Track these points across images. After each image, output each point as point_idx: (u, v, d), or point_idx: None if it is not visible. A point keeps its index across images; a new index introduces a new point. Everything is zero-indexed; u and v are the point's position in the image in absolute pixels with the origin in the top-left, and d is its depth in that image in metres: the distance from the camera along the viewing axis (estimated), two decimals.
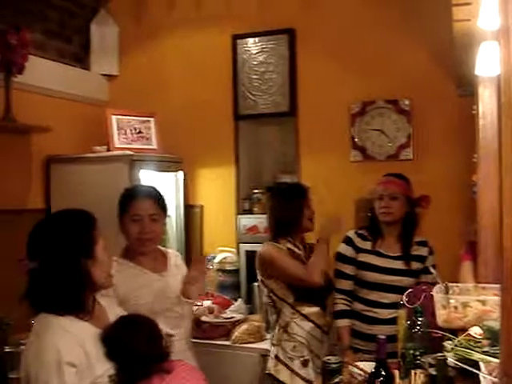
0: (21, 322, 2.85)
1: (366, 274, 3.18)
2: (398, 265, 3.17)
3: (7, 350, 3.13)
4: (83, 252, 1.94)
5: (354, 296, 3.23)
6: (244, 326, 3.61)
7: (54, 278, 1.90)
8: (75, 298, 1.92)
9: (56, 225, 2.00)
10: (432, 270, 2.80)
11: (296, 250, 3.14)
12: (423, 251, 3.23)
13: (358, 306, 3.20)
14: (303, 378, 2.99)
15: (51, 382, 1.78)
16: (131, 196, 2.63)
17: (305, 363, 3.01)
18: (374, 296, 3.15)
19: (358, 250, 3.23)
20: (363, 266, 3.20)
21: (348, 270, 3.21)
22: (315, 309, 3.08)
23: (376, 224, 3.26)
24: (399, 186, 3.23)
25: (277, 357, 3.05)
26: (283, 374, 3.01)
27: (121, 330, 1.98)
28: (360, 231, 3.30)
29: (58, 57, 4.21)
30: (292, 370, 3.00)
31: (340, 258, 3.23)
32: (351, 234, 3.29)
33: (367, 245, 3.24)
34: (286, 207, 3.19)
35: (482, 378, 1.68)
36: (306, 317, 3.05)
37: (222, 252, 4.17)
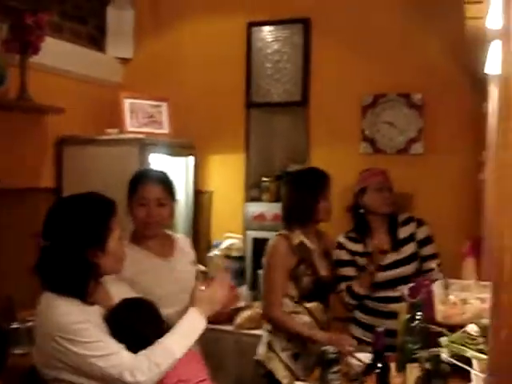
0: (28, 298, 2.92)
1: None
2: (393, 257, 3.18)
3: (14, 326, 3.19)
4: (94, 243, 1.96)
5: (368, 296, 3.22)
6: (247, 313, 3.65)
7: (61, 262, 1.94)
8: (79, 285, 1.95)
9: (73, 209, 2.00)
10: (433, 265, 2.84)
11: (308, 243, 3.03)
12: (411, 228, 3.26)
13: (373, 304, 3.21)
14: (291, 371, 2.90)
15: (72, 342, 1.85)
16: (139, 180, 2.65)
17: (295, 356, 2.94)
18: (383, 293, 3.17)
19: (353, 253, 3.25)
20: (362, 269, 3.19)
21: (347, 272, 3.21)
22: (317, 304, 3.01)
23: (365, 221, 3.28)
24: (388, 176, 3.35)
25: (269, 344, 2.98)
26: (273, 363, 2.93)
27: (123, 311, 2.02)
28: (350, 234, 3.32)
29: (74, 38, 4.24)
30: (282, 361, 2.92)
31: (338, 263, 3.23)
32: (342, 238, 3.31)
33: (360, 247, 3.25)
34: (296, 195, 3.09)
35: (473, 375, 1.70)
36: (308, 311, 2.98)
37: (229, 238, 4.20)
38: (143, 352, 1.90)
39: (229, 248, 4.12)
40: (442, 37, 3.76)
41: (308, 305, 2.97)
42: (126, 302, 2.07)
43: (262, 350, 3.01)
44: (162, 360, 1.89)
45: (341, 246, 3.27)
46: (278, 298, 2.95)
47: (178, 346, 1.94)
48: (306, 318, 2.96)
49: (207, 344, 3.23)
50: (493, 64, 2.45)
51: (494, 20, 1.85)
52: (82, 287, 1.96)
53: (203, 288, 2.21)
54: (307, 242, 3.02)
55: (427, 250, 3.23)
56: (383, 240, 3.22)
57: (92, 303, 1.99)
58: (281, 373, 2.90)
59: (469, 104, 3.68)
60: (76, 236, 1.94)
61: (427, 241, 3.26)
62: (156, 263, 2.59)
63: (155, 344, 1.92)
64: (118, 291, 2.16)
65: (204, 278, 3.94)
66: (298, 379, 2.76)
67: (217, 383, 2.18)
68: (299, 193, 3.08)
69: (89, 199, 2.05)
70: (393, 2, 3.92)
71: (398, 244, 3.21)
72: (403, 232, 3.25)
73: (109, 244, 1.99)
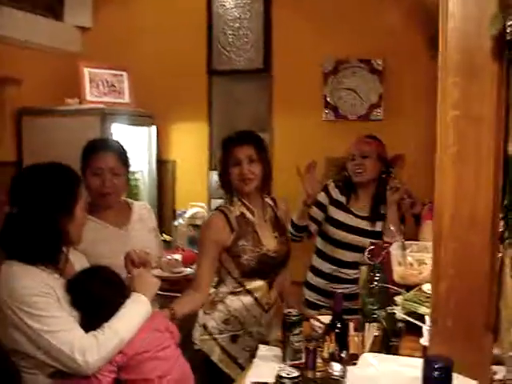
0: None
1: (333, 231, 3.24)
2: (364, 225, 3.22)
3: None
4: (64, 210, 1.97)
5: (323, 254, 3.30)
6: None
7: (30, 229, 1.93)
8: (47, 252, 1.96)
9: (43, 177, 2.00)
10: (391, 227, 2.87)
11: (248, 214, 2.71)
12: None
13: (327, 266, 3.27)
14: (228, 354, 2.67)
15: (28, 314, 1.85)
16: (93, 149, 2.63)
17: (234, 339, 2.69)
18: (339, 254, 3.23)
19: (332, 200, 3.27)
20: (331, 221, 3.25)
21: (314, 213, 3.22)
22: (261, 283, 2.71)
23: (350, 184, 3.28)
24: (369, 145, 3.25)
25: (205, 326, 2.70)
26: (208, 346, 2.68)
27: (81, 278, 2.04)
28: (339, 183, 3.32)
29: (32, 8, 4.14)
30: (218, 343, 2.67)
31: (315, 203, 3.17)
32: (329, 182, 3.34)
33: (342, 199, 3.28)
34: (219, 163, 2.80)
35: (424, 331, 1.76)
36: (249, 291, 2.70)
37: (193, 207, 4.21)
38: (92, 333, 1.90)
39: (193, 217, 4.13)
40: (403, 2, 3.77)
41: (249, 285, 2.69)
42: (85, 270, 2.09)
43: (196, 331, 2.75)
44: (109, 341, 1.89)
45: (325, 189, 3.29)
46: (198, 278, 2.67)
47: (124, 328, 1.94)
48: (247, 299, 2.69)
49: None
50: None
51: None
52: (54, 255, 1.97)
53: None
54: (248, 214, 2.72)
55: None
56: (364, 205, 3.26)
57: (61, 273, 2.00)
58: (216, 356, 2.68)
59: (428, 70, 3.69)
60: (47, 203, 1.94)
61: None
62: (110, 233, 2.59)
63: (103, 326, 1.92)
64: (77, 260, 2.17)
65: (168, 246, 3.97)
66: (236, 361, 2.66)
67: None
68: (219, 160, 2.80)
69: (56, 168, 2.05)
70: None
71: (374, 217, 3.24)
72: (383, 208, 3.23)
73: (76, 212, 2.01)
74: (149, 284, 2.14)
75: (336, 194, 3.29)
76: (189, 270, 2.82)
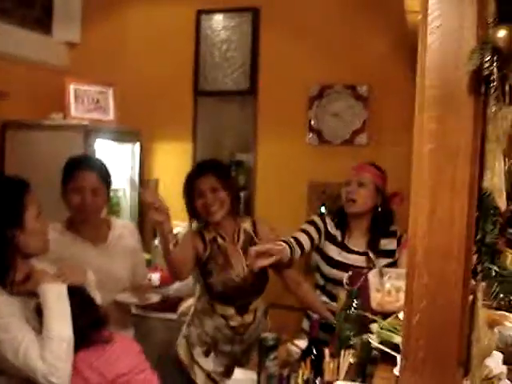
0: None
1: (329, 270, 2.98)
2: (361, 262, 2.94)
3: None
4: (11, 222, 1.94)
5: (322, 289, 3.05)
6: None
7: None
8: (3, 266, 1.93)
9: None
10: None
11: (220, 240, 2.76)
12: (392, 244, 3.00)
13: (322, 299, 3.14)
14: (201, 367, 2.71)
15: None
16: (75, 167, 2.63)
17: (207, 353, 2.73)
18: (338, 290, 3.02)
19: (327, 232, 3.00)
20: (326, 259, 2.99)
21: (312, 231, 2.95)
22: (231, 311, 2.71)
23: (343, 216, 3.02)
24: (368, 172, 3.00)
25: (186, 337, 2.80)
26: (186, 356, 2.77)
27: None
28: (335, 219, 3.04)
29: (20, 22, 4.15)
30: (192, 356, 2.74)
31: (309, 221, 3.01)
32: (326, 212, 3.18)
33: (337, 233, 3.00)
34: (184, 196, 2.89)
35: (399, 361, 1.75)
36: (219, 314, 2.73)
37: (175, 227, 4.17)
38: (40, 355, 1.80)
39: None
40: (388, 30, 3.81)
41: (219, 309, 2.73)
42: None
43: (180, 340, 2.84)
44: (59, 350, 1.81)
45: (321, 215, 3.07)
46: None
47: (59, 328, 1.85)
48: (219, 321, 2.72)
49: (151, 332, 3.26)
50: None
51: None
52: (6, 268, 1.93)
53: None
54: (220, 239, 2.76)
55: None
56: (359, 239, 2.99)
57: (18, 292, 1.95)
58: (191, 367, 2.74)
59: (412, 97, 3.72)
60: None
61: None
62: (82, 249, 2.59)
63: (43, 340, 1.83)
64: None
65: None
66: (209, 375, 2.69)
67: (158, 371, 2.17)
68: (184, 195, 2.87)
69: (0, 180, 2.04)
70: None
71: (374, 251, 2.97)
72: (385, 245, 2.99)
73: (26, 221, 1.97)
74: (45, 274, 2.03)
75: (332, 227, 3.00)
76: (157, 298, 2.85)
